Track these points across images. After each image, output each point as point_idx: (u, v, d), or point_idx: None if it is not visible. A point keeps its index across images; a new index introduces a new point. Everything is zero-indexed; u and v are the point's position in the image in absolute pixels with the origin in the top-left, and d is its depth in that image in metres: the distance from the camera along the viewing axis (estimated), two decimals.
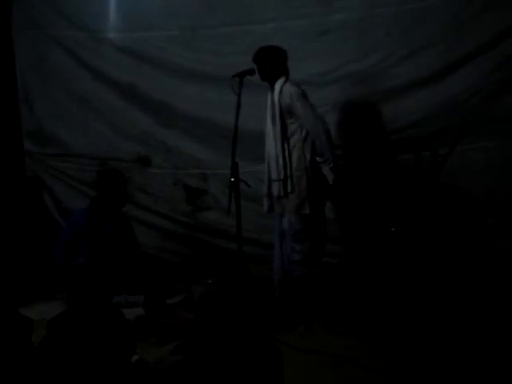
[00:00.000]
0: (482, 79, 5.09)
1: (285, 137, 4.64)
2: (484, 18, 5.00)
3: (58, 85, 6.23)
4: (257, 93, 4.75)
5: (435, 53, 5.17)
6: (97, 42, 6.08)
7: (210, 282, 4.90)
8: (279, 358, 2.61)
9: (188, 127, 5.95)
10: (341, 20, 5.36)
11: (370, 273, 4.99)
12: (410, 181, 5.05)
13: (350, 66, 5.38)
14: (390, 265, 4.84)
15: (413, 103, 5.25)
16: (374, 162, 5.36)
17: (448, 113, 5.13)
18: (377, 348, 4.13)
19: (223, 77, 4.86)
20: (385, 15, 5.26)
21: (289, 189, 4.62)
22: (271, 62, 4.69)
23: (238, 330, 2.55)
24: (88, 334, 2.79)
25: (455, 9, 5.09)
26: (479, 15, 5.02)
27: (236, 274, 4.55)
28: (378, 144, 5.38)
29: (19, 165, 6.35)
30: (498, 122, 5.08)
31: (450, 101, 5.14)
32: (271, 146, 4.71)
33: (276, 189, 4.70)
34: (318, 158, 4.66)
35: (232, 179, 4.39)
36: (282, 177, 4.63)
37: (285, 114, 4.63)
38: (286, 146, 4.64)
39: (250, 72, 4.60)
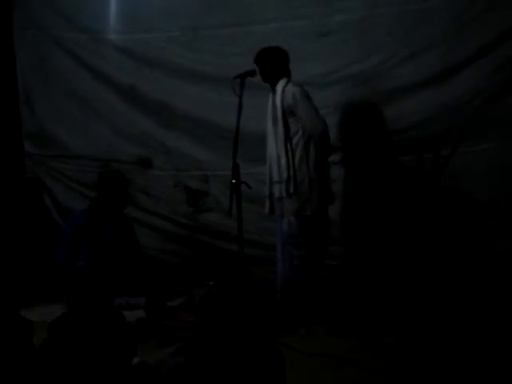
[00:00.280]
0: (484, 80, 5.09)
1: (287, 137, 4.62)
2: (486, 19, 4.99)
3: (59, 86, 6.23)
4: (258, 94, 4.74)
5: (437, 54, 5.16)
6: (97, 43, 6.10)
7: (211, 283, 4.89)
8: (281, 361, 2.60)
9: (188, 128, 5.95)
10: (342, 21, 5.36)
11: (371, 275, 4.98)
12: (412, 182, 5.04)
13: (352, 67, 5.37)
14: (391, 266, 4.83)
15: (414, 104, 5.24)
16: (375, 164, 5.35)
17: (450, 114, 5.13)
18: (378, 350, 4.12)
19: (224, 78, 4.86)
20: (386, 16, 5.25)
21: (291, 189, 4.60)
22: (273, 63, 4.67)
23: (240, 333, 2.54)
24: (89, 337, 2.78)
25: (457, 10, 5.09)
26: (481, 16, 5.01)
27: (237, 276, 4.54)
28: (379, 145, 5.37)
29: (19, 166, 6.35)
30: (499, 123, 5.07)
31: (452, 102, 5.14)
32: (272, 147, 4.70)
33: (277, 190, 4.69)
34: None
35: (233, 181, 4.38)
36: (284, 178, 4.61)
37: (287, 114, 4.62)
38: (288, 146, 4.62)
39: (252, 73, 4.59)
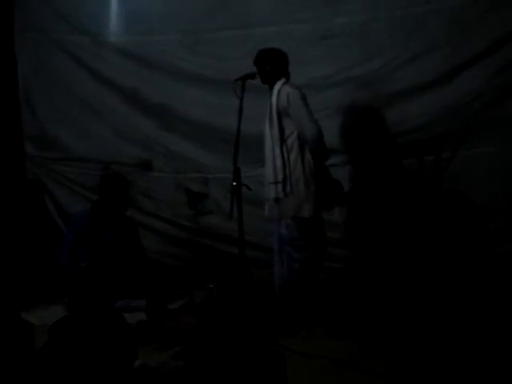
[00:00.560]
0: (484, 83, 5.09)
1: (282, 138, 4.60)
2: (488, 21, 5.00)
3: (60, 88, 6.23)
4: (258, 97, 4.74)
5: (440, 56, 5.16)
6: (99, 46, 6.09)
7: (211, 286, 4.90)
8: (282, 363, 2.60)
9: (189, 131, 5.95)
10: (344, 24, 5.36)
11: (372, 277, 4.98)
12: (413, 185, 5.04)
13: (353, 70, 5.37)
14: (392, 269, 4.83)
15: (416, 107, 5.24)
16: (377, 166, 5.35)
17: (453, 116, 5.13)
18: (379, 353, 4.11)
19: (224, 81, 4.86)
20: (388, 19, 5.26)
21: (287, 189, 4.57)
22: (272, 64, 4.66)
23: (240, 335, 2.54)
24: (90, 339, 2.78)
25: (459, 12, 5.09)
26: (484, 17, 5.01)
27: (238, 279, 4.53)
28: (381, 148, 5.37)
29: (20, 168, 6.35)
30: (499, 126, 5.08)
31: (455, 104, 5.14)
32: (268, 148, 4.67)
33: (273, 191, 4.63)
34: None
35: (234, 183, 4.37)
36: (279, 179, 4.57)
37: (282, 115, 4.60)
38: (284, 147, 4.59)
39: (252, 76, 4.58)
